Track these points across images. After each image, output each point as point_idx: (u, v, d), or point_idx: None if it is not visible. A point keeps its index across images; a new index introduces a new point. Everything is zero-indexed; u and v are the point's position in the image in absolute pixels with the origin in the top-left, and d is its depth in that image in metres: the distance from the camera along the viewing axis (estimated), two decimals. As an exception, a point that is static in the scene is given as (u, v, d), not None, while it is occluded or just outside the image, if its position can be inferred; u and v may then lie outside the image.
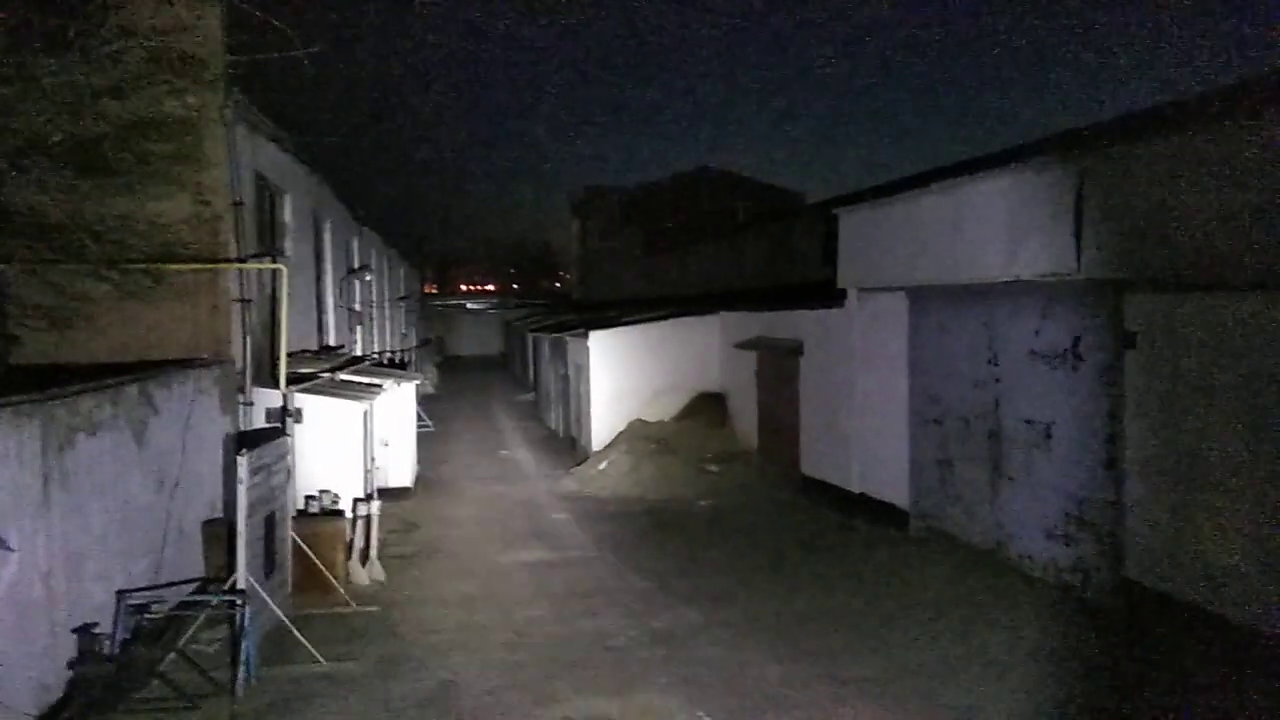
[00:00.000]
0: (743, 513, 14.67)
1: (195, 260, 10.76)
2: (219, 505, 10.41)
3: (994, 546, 10.82)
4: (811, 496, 15.00)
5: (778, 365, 16.32)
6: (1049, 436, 9.94)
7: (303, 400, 11.34)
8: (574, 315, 32.60)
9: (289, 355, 11.26)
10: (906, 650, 8.38)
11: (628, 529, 13.80)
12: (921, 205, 12.06)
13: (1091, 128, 10.00)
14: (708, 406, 18.86)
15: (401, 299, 34.82)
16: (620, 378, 18.88)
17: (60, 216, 9.44)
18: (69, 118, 9.12)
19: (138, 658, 7.24)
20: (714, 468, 17.07)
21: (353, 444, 12.07)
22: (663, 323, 19.67)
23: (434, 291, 74.53)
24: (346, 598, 9.94)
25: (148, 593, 8.04)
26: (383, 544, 11.72)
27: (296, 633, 8.44)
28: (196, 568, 9.68)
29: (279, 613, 8.66)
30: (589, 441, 18.98)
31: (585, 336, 19.29)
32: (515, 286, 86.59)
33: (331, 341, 18.22)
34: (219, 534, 9.65)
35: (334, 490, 11.13)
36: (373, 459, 13.84)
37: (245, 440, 9.68)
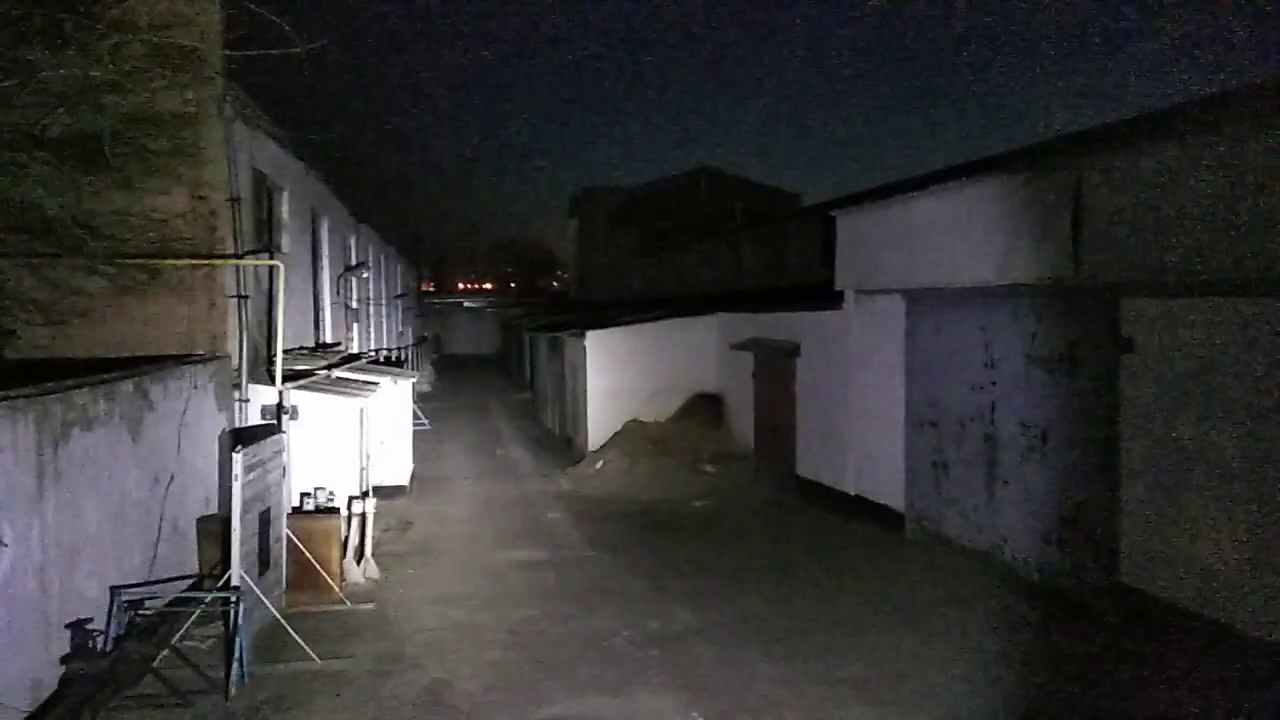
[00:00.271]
0: (738, 514, 14.67)
1: (192, 256, 10.74)
2: (214, 502, 10.40)
3: (989, 549, 10.83)
4: (807, 498, 15.01)
5: (774, 367, 16.33)
6: (1044, 440, 9.96)
7: (299, 397, 11.32)
8: (571, 315, 32.60)
9: (285, 352, 11.24)
10: (900, 652, 8.38)
11: (623, 529, 13.79)
12: (919, 208, 12.07)
13: (1089, 132, 10.03)
14: (704, 407, 18.87)
15: (398, 297, 34.80)
16: (617, 378, 18.88)
17: (57, 211, 9.40)
18: (66, 112, 9.07)
19: (131, 654, 7.22)
20: (710, 468, 17.07)
21: (348, 441, 12.06)
22: (660, 323, 19.67)
23: (431, 290, 74.46)
24: (341, 595, 9.92)
25: (142, 589, 8.03)
26: (377, 542, 11.71)
27: (290, 630, 8.42)
28: (191, 564, 9.67)
29: (273, 610, 8.64)
30: (585, 441, 18.98)
31: (582, 336, 19.29)
32: (512, 285, 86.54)
33: (328, 339, 18.20)
34: (214, 530, 9.62)
35: (329, 488, 11.10)
36: (368, 457, 13.82)
37: (241, 437, 9.66)
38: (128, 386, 8.34)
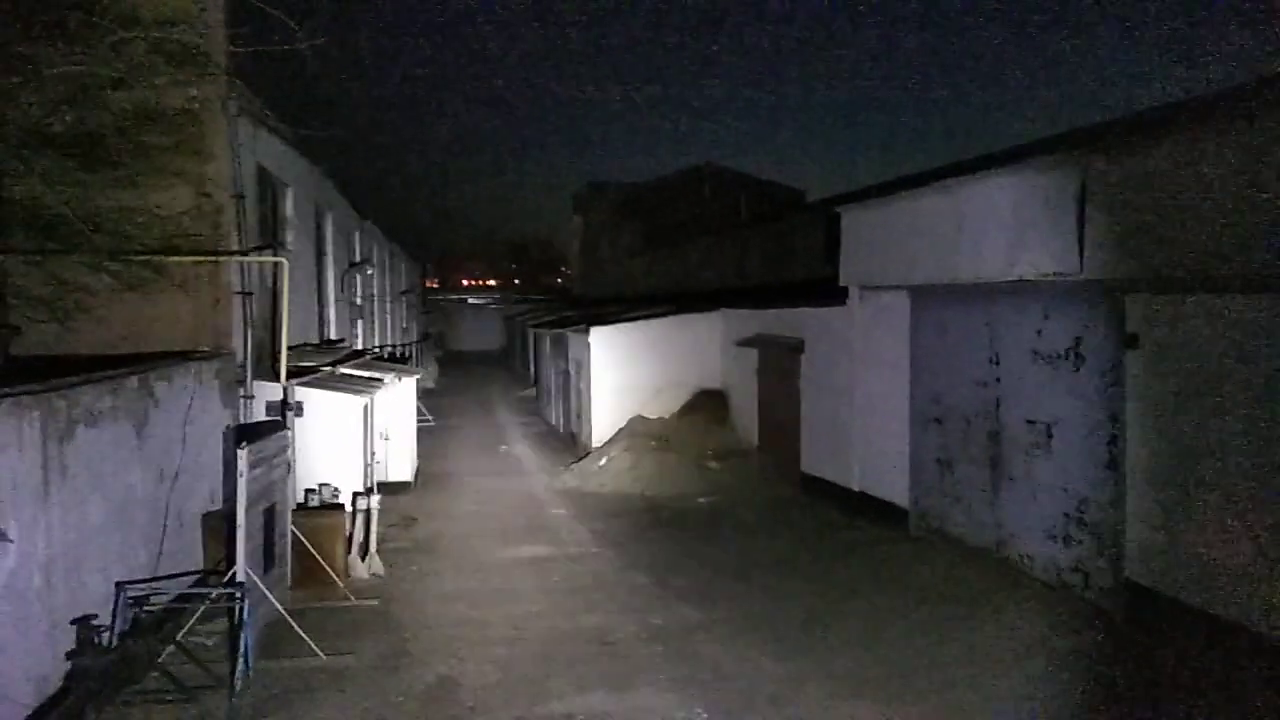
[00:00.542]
0: (742, 510, 14.66)
1: (197, 253, 10.74)
2: (219, 498, 10.41)
3: (994, 546, 10.81)
4: (811, 494, 15.00)
5: (779, 363, 16.31)
6: (1050, 437, 9.93)
7: (303, 394, 11.33)
8: (575, 311, 32.60)
9: (290, 348, 11.25)
10: (905, 649, 8.37)
11: (627, 525, 13.79)
12: (924, 203, 12.04)
13: (1095, 127, 9.98)
14: (708, 403, 18.85)
15: (403, 293, 34.82)
16: (621, 374, 18.87)
17: (62, 208, 9.41)
18: (71, 109, 9.09)
19: (136, 650, 7.24)
20: (714, 465, 17.07)
21: (353, 438, 12.07)
22: (664, 319, 19.65)
23: (435, 286, 74.47)
24: (345, 592, 9.94)
25: (147, 585, 8.05)
26: (382, 538, 11.72)
27: (295, 626, 8.44)
28: (196, 560, 9.69)
29: (278, 606, 8.65)
30: (589, 437, 18.98)
31: (586, 332, 19.28)
32: (516, 282, 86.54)
33: (332, 335, 18.22)
34: (218, 527, 9.64)
35: (334, 484, 11.12)
36: (373, 453, 13.84)
37: (245, 433, 9.67)
38: (133, 383, 8.35)
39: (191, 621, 8.19)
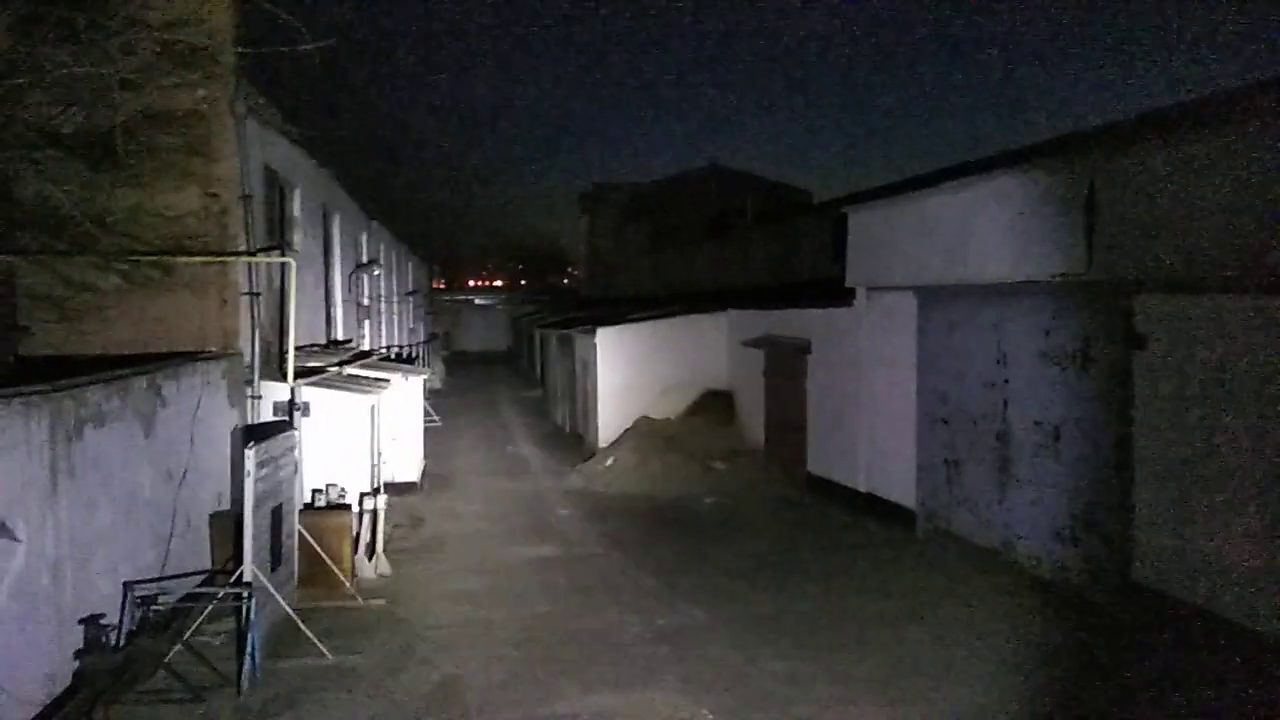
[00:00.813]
0: (749, 511, 14.65)
1: (204, 253, 10.77)
2: (226, 498, 10.43)
3: (1001, 547, 10.79)
4: (818, 495, 14.98)
5: (785, 363, 16.29)
6: (1057, 438, 9.90)
7: (310, 394, 11.35)
8: (581, 311, 32.60)
9: (297, 349, 11.27)
10: (912, 650, 8.35)
11: (634, 526, 13.79)
12: (931, 204, 12.02)
13: (1103, 128, 9.94)
14: (715, 404, 18.84)
15: (410, 294, 34.85)
16: (627, 374, 18.87)
17: (70, 208, 9.44)
18: (79, 109, 9.11)
19: (144, 649, 7.26)
20: (720, 465, 17.05)
21: (360, 438, 12.08)
22: (670, 320, 19.65)
23: (442, 287, 74.54)
24: (352, 591, 9.95)
25: (155, 584, 8.07)
26: (389, 538, 11.73)
27: (302, 626, 8.45)
28: (203, 560, 9.71)
29: (285, 606, 8.67)
30: (596, 438, 18.98)
31: (593, 333, 19.28)
32: (523, 282, 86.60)
33: (339, 335, 18.23)
34: (226, 526, 9.66)
35: (341, 484, 11.13)
36: (380, 453, 13.85)
37: (253, 433, 9.69)
38: (141, 383, 8.37)
39: (199, 621, 8.20)
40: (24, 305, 10.17)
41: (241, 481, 8.18)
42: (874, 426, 13.57)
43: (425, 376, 18.82)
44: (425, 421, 18.18)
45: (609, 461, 17.41)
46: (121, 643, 7.26)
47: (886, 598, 9.93)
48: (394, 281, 29.27)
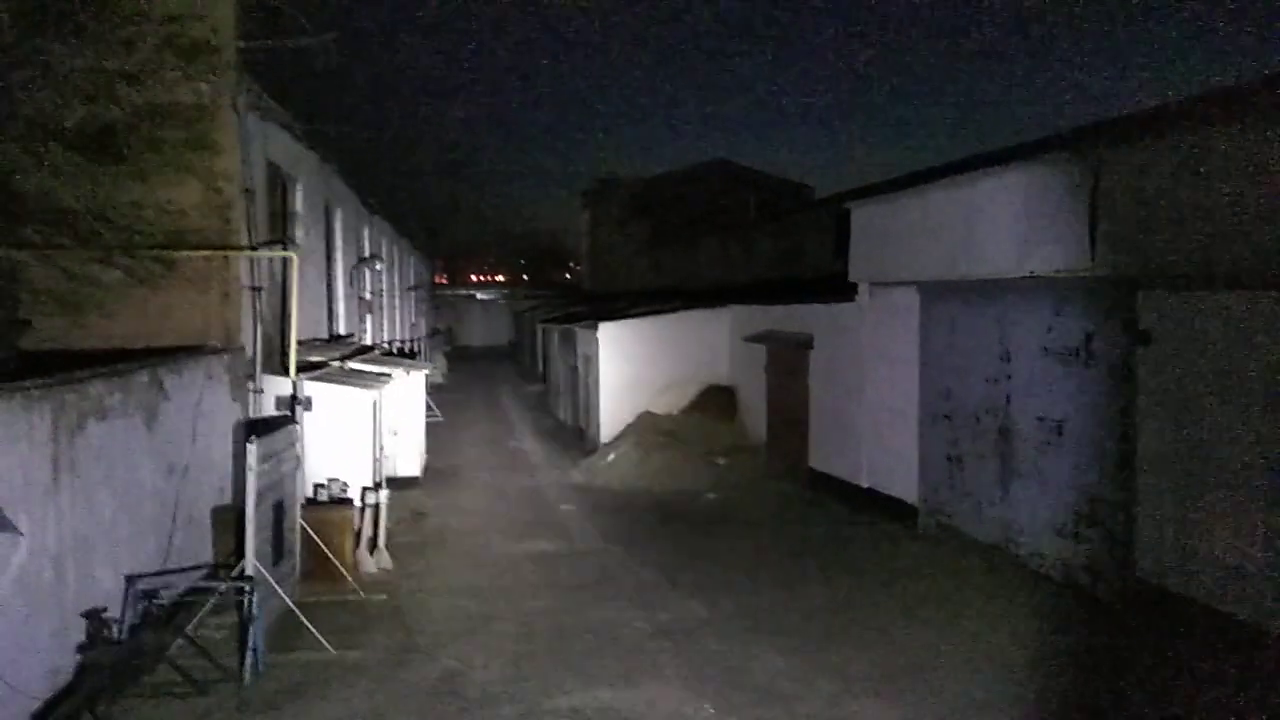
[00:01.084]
0: (751, 506, 14.65)
1: (206, 247, 10.77)
2: (228, 491, 10.44)
3: (1003, 543, 10.78)
4: (820, 491, 14.97)
5: (788, 359, 16.28)
6: (1060, 434, 9.89)
7: (312, 388, 11.35)
8: (584, 306, 32.57)
9: (299, 343, 11.27)
10: (913, 646, 8.35)
11: (635, 521, 13.80)
12: (934, 200, 11.99)
13: (1107, 123, 9.92)
14: (717, 399, 18.83)
15: (411, 288, 34.85)
16: (629, 370, 18.86)
17: (72, 202, 9.45)
18: (81, 104, 9.11)
19: (146, 643, 7.27)
20: (722, 461, 17.05)
21: (362, 432, 12.08)
22: (673, 315, 19.63)
23: (444, 281, 74.53)
24: (354, 586, 9.96)
25: (157, 578, 8.07)
26: (391, 533, 11.74)
27: (304, 620, 8.46)
28: (205, 554, 9.72)
29: (287, 600, 8.68)
30: (598, 433, 18.98)
31: (595, 328, 19.27)
32: (525, 277, 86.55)
33: (341, 330, 18.24)
34: (228, 520, 9.67)
35: (343, 478, 11.14)
36: (381, 448, 13.85)
37: (255, 427, 9.70)
38: (143, 377, 8.37)
39: (201, 615, 8.22)
40: (26, 299, 10.17)
41: (243, 476, 8.19)
42: (876, 422, 13.56)
43: (427, 371, 18.83)
44: (427, 416, 18.20)
45: (611, 456, 17.42)
46: (124, 636, 7.27)
47: (888, 593, 9.93)
48: (396, 276, 29.27)
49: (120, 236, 10.07)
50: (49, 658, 6.60)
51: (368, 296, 22.64)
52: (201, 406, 9.67)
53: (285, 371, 11.01)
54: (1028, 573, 10.23)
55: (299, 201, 14.92)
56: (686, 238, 32.29)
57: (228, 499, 10.34)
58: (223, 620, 8.63)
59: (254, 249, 11.24)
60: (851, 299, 14.04)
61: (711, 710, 7.08)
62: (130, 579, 7.63)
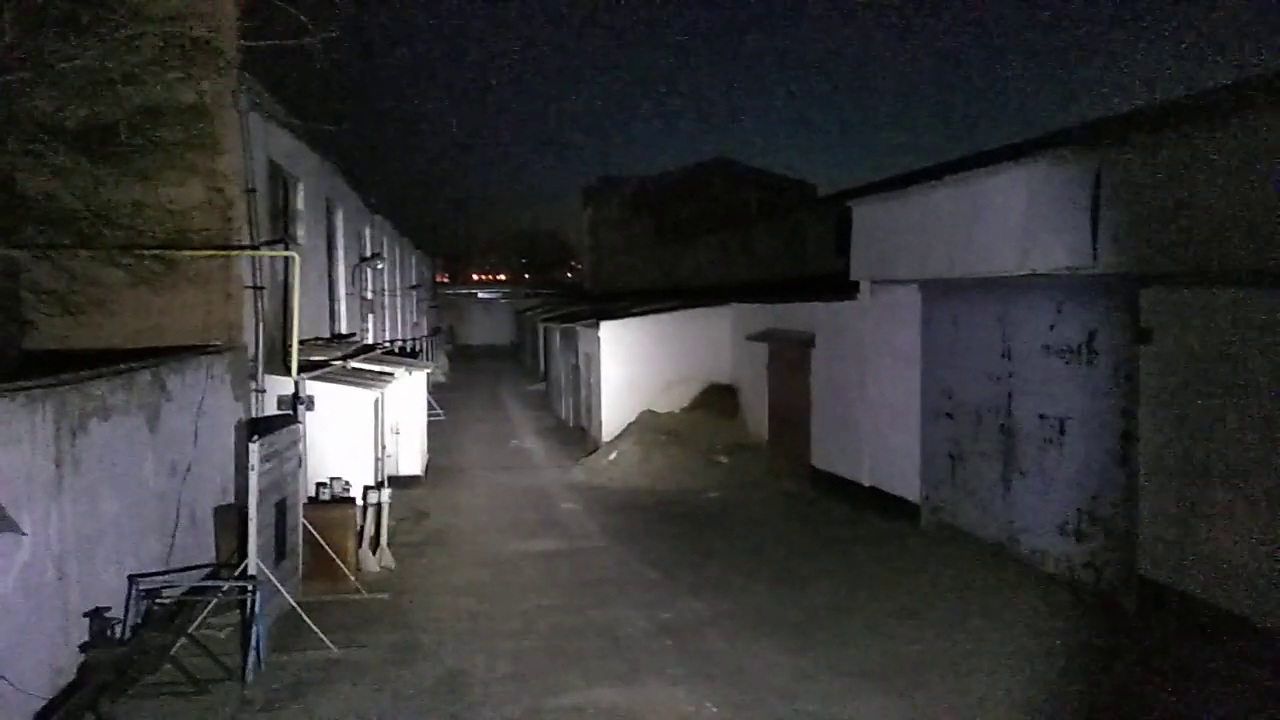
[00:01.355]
0: (752, 505, 14.65)
1: (208, 247, 10.78)
2: (230, 491, 10.45)
3: (1005, 541, 10.78)
4: (821, 489, 14.97)
5: (789, 357, 16.27)
6: (1062, 431, 9.88)
7: (314, 387, 11.36)
8: (585, 305, 32.58)
9: (301, 342, 11.28)
10: (915, 644, 8.35)
11: (637, 520, 13.80)
12: (936, 198, 11.98)
13: (1109, 120, 9.91)
14: (718, 398, 18.83)
15: (413, 288, 34.85)
16: (631, 368, 18.86)
17: (74, 202, 9.45)
18: (83, 103, 9.10)
19: (149, 642, 7.28)
20: (724, 459, 17.05)
21: (364, 432, 12.10)
22: (674, 314, 19.62)
23: (445, 281, 74.56)
24: (357, 585, 9.97)
25: (159, 577, 8.09)
26: (393, 532, 11.76)
27: (307, 619, 8.47)
28: (208, 553, 9.73)
29: (289, 599, 8.69)
30: (599, 432, 18.98)
31: (596, 327, 19.27)
32: (527, 276, 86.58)
33: (343, 329, 18.25)
34: (230, 520, 9.68)
35: (345, 477, 11.15)
36: (383, 447, 13.86)
37: (257, 427, 9.71)
38: (145, 377, 8.38)
39: (204, 614, 8.23)
40: (28, 299, 10.17)
41: (246, 475, 8.20)
42: (878, 420, 13.55)
43: (429, 370, 18.83)
44: (429, 415, 18.20)
45: (612, 455, 17.42)
46: (127, 636, 7.28)
47: (890, 591, 9.93)
48: (397, 275, 29.28)
49: (122, 236, 10.07)
50: (52, 657, 6.61)
51: (369, 296, 22.65)
52: (204, 406, 9.68)
53: (287, 371, 11.01)
54: (1030, 571, 10.22)
55: (300, 201, 14.92)
56: (688, 236, 32.29)
57: (230, 498, 10.36)
58: (225, 619, 8.64)
59: (256, 248, 11.24)
60: (853, 297, 14.03)
61: (713, 708, 7.08)
62: (133, 578, 7.64)
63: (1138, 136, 8.77)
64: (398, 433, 15.35)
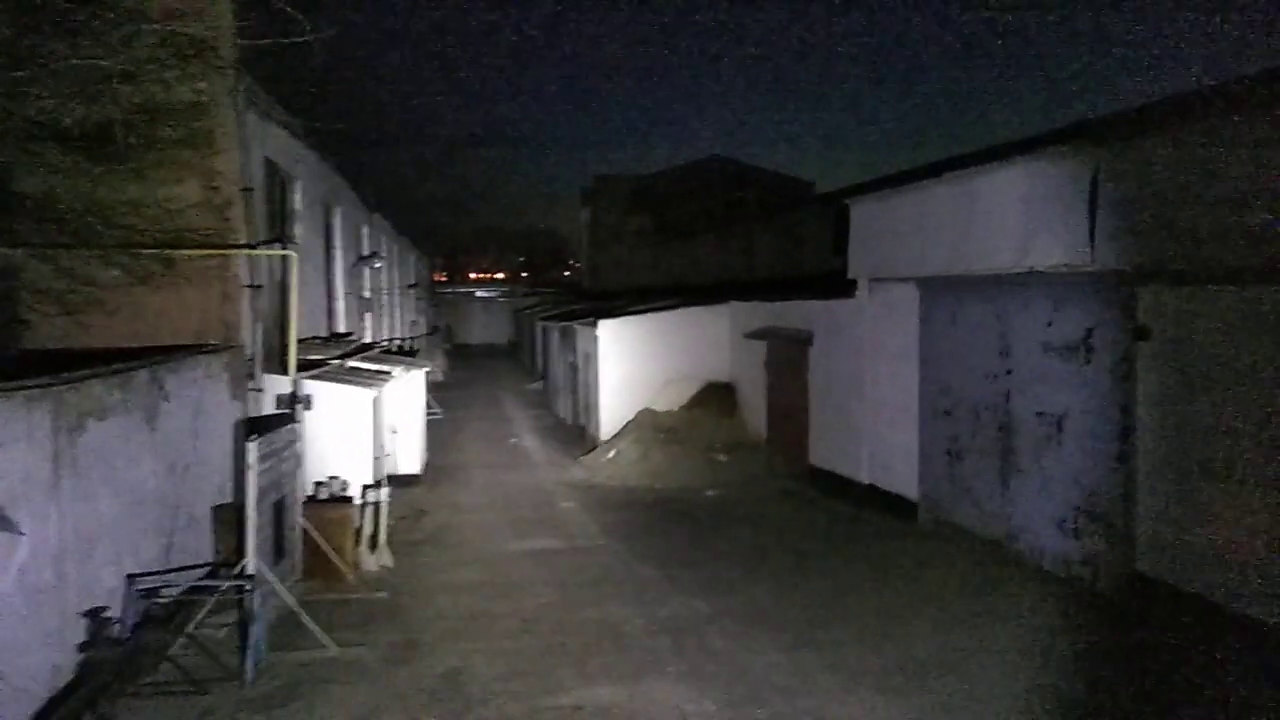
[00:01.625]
0: (751, 503, 14.66)
1: (205, 246, 10.75)
2: (229, 490, 10.44)
3: (1003, 539, 10.79)
4: (820, 487, 14.98)
5: (787, 355, 16.27)
6: (1060, 429, 9.89)
7: (312, 387, 11.35)
8: (583, 304, 32.58)
9: (299, 341, 11.27)
10: (914, 642, 8.35)
11: (635, 518, 13.80)
12: (933, 195, 11.98)
13: (1107, 117, 9.89)
14: (717, 396, 18.83)
15: (411, 286, 34.84)
16: (629, 367, 18.86)
17: (71, 201, 9.44)
18: (80, 102, 9.09)
19: (147, 642, 7.28)
20: (722, 457, 17.06)
21: (362, 431, 12.09)
22: (672, 312, 19.62)
23: (443, 279, 74.55)
24: (355, 584, 9.97)
25: (158, 577, 8.07)
26: (391, 530, 11.74)
27: (305, 618, 8.46)
28: (206, 552, 9.72)
29: (288, 598, 8.68)
30: (598, 430, 18.98)
31: (594, 325, 19.27)
32: (525, 275, 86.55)
33: (341, 328, 18.24)
34: (229, 519, 9.67)
35: (343, 477, 11.15)
36: (382, 446, 13.86)
37: (255, 426, 9.69)
38: (142, 376, 8.37)
39: (202, 614, 8.22)
40: (25, 298, 10.16)
41: (244, 474, 8.19)
42: (876, 418, 13.56)
43: (427, 369, 18.82)
44: (427, 414, 18.19)
45: (611, 454, 17.42)
46: (125, 635, 7.27)
47: (888, 589, 9.93)
48: (395, 274, 29.27)
49: (119, 235, 10.05)
50: (50, 656, 6.60)
51: (367, 294, 22.65)
52: (202, 405, 9.67)
53: (285, 370, 11.00)
54: (1028, 568, 10.23)
55: (298, 200, 14.91)
56: (686, 234, 32.28)
57: (228, 498, 10.34)
58: (224, 619, 8.63)
59: (253, 247, 11.22)
60: (851, 295, 14.04)
61: (712, 706, 7.08)
62: (131, 578, 7.63)
63: (1136, 134, 8.77)
64: (396, 431, 15.35)
